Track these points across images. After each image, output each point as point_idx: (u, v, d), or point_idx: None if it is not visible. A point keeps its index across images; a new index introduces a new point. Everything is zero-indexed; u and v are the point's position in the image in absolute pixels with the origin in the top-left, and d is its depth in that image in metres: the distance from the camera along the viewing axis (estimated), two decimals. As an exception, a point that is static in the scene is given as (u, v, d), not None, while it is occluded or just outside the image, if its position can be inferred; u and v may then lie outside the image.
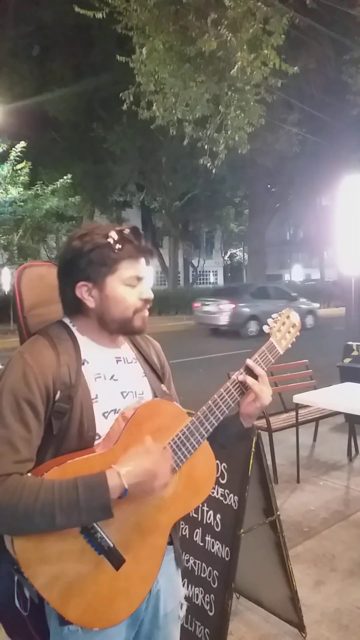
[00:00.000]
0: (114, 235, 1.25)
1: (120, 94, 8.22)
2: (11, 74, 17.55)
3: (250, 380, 1.36)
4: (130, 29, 7.68)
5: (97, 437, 1.24)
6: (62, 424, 1.21)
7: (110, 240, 1.24)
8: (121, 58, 8.06)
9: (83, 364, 1.27)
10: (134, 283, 1.28)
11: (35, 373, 1.19)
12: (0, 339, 13.14)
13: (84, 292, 1.27)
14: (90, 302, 1.27)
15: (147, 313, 1.33)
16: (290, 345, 1.47)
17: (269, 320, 1.46)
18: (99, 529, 1.17)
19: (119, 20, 7.67)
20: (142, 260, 1.30)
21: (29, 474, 1.16)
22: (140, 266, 1.29)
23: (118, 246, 1.24)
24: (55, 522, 1.10)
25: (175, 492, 1.28)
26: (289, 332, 1.47)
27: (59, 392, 1.21)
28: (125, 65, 8.06)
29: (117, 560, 1.19)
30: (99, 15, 7.53)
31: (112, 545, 1.18)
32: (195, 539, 2.42)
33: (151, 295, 1.32)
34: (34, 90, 17.74)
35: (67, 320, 1.33)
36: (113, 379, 1.31)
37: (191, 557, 2.42)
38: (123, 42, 9.35)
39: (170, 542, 1.39)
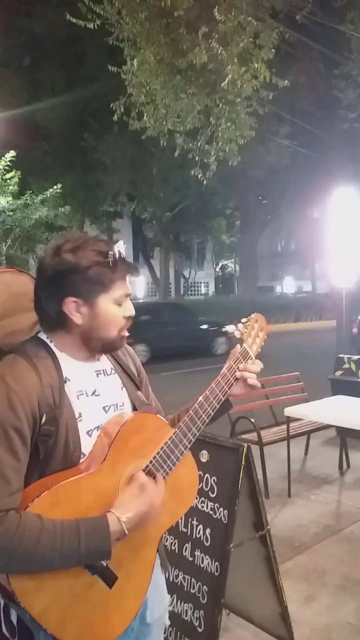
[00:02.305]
0: (113, 254, 1.22)
1: (111, 105, 8.26)
2: (2, 83, 17.59)
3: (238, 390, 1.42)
4: (121, 40, 7.73)
5: (82, 456, 1.22)
6: (48, 446, 1.18)
7: (110, 259, 1.21)
8: (112, 69, 8.10)
9: (65, 382, 1.23)
10: (122, 301, 1.26)
11: (20, 398, 1.14)
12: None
13: (72, 307, 1.22)
14: (78, 319, 1.23)
15: (126, 333, 1.32)
16: (260, 350, 1.49)
17: (240, 325, 1.48)
18: None
19: (111, 32, 7.72)
20: (131, 279, 1.29)
21: (27, 510, 1.12)
22: (128, 285, 1.28)
23: (116, 266, 1.22)
24: (53, 566, 1.11)
25: (162, 504, 1.27)
26: (258, 336, 1.50)
27: (44, 416, 1.17)
28: (116, 76, 8.10)
29: (110, 579, 1.18)
30: (91, 26, 7.57)
31: (105, 564, 1.17)
32: (184, 554, 2.37)
33: (133, 313, 1.30)
34: (24, 100, 17.79)
35: (43, 336, 1.28)
36: (95, 394, 1.29)
37: (180, 572, 2.37)
38: (114, 53, 9.39)
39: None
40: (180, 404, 1.51)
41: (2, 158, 14.01)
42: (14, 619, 1.22)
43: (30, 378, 1.17)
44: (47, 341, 1.27)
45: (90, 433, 1.24)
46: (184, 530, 2.40)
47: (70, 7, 8.15)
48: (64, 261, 1.20)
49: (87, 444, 1.23)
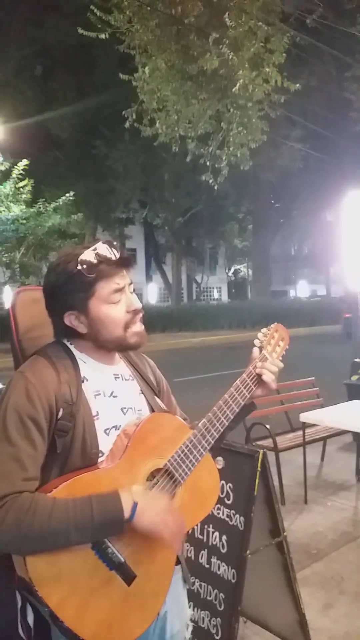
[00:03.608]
0: (83, 260, 1.25)
1: (123, 112, 8.32)
2: (15, 93, 17.83)
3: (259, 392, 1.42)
4: (132, 48, 7.80)
5: (100, 455, 1.24)
6: (66, 442, 1.21)
7: (80, 267, 1.24)
8: (124, 77, 8.17)
9: (83, 381, 1.27)
10: (116, 299, 1.28)
11: (37, 390, 1.20)
12: (3, 357, 13.12)
13: (72, 320, 1.28)
14: (82, 329, 1.29)
15: (141, 327, 1.33)
16: (280, 358, 1.48)
17: (259, 335, 1.48)
18: (109, 545, 1.16)
19: (122, 40, 7.80)
20: (120, 272, 1.29)
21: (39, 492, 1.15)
22: (119, 278, 1.28)
23: (90, 270, 1.24)
24: (70, 539, 1.11)
25: (182, 504, 1.29)
26: (279, 345, 1.49)
27: (61, 410, 1.21)
28: (128, 84, 8.17)
29: (128, 576, 1.18)
30: (102, 36, 7.65)
31: (122, 560, 1.17)
32: (200, 561, 2.36)
33: (139, 305, 1.32)
34: (37, 109, 18.01)
35: (65, 340, 1.33)
36: (112, 395, 1.32)
37: (197, 580, 2.35)
38: (125, 61, 9.49)
39: (177, 562, 1.37)
40: (195, 409, 1.51)
41: (15, 167, 14.18)
42: (30, 620, 1.23)
43: (48, 374, 1.23)
44: (68, 344, 1.33)
45: (107, 432, 1.27)
46: (200, 537, 2.38)
47: (81, 16, 8.25)
48: (50, 281, 1.29)
49: (104, 442, 1.25)
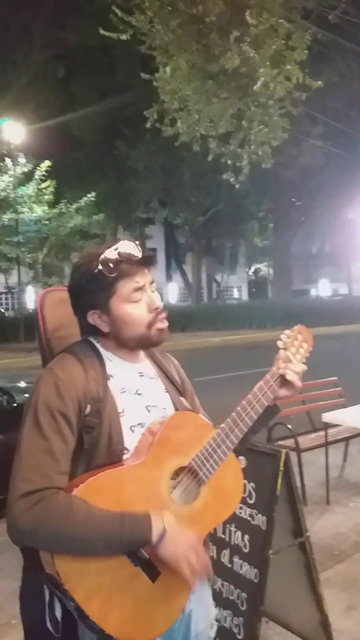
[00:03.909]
0: (104, 260, 1.27)
1: (145, 112, 8.36)
2: (37, 95, 18.03)
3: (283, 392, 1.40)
4: (153, 48, 7.83)
5: (125, 451, 1.26)
6: (92, 438, 1.23)
7: (101, 267, 1.26)
8: (145, 77, 8.20)
9: (108, 378, 1.29)
10: (137, 297, 1.29)
11: (66, 386, 1.22)
12: (26, 356, 13.29)
13: (95, 319, 1.31)
14: (104, 327, 1.31)
15: (164, 323, 1.34)
16: (304, 361, 1.47)
17: (282, 336, 1.47)
18: None
19: (143, 41, 7.83)
20: (141, 271, 1.30)
21: (75, 494, 1.17)
22: (140, 277, 1.30)
23: (110, 269, 1.26)
24: (96, 550, 1.14)
25: (206, 503, 1.29)
26: (302, 347, 1.48)
27: (88, 406, 1.23)
28: (149, 84, 8.20)
29: (152, 572, 1.20)
30: (124, 37, 7.69)
31: (147, 557, 1.19)
32: (222, 560, 2.36)
33: (160, 304, 1.33)
34: (59, 110, 18.18)
35: (91, 338, 1.36)
36: (137, 393, 1.33)
37: (219, 579, 2.36)
38: (146, 61, 9.52)
39: None
40: (216, 409, 1.51)
41: (38, 168, 14.35)
42: (58, 614, 1.24)
43: (76, 371, 1.25)
44: (94, 342, 1.35)
45: (133, 429, 1.29)
46: (222, 536, 2.39)
47: (102, 18, 8.30)
48: (74, 281, 1.33)
49: (130, 439, 1.27)
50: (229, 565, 2.34)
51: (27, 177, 14.51)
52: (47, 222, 14.65)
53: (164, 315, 1.33)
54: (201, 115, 7.88)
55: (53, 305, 1.43)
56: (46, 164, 14.32)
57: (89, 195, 15.48)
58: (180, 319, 19.44)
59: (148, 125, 8.34)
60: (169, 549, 1.18)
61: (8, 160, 14.04)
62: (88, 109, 18.74)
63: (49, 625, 1.25)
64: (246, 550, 2.28)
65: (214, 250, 33.53)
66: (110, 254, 1.26)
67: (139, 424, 1.29)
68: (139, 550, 1.18)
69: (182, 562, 1.19)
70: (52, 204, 14.95)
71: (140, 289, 1.29)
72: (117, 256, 1.26)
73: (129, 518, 1.15)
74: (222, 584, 2.34)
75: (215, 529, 2.39)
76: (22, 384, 5.47)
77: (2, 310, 24.23)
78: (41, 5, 16.64)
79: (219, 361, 13.51)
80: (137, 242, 1.31)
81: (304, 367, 1.43)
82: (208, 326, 20.26)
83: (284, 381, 1.39)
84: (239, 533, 2.33)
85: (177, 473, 1.28)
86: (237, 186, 9.13)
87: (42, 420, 1.19)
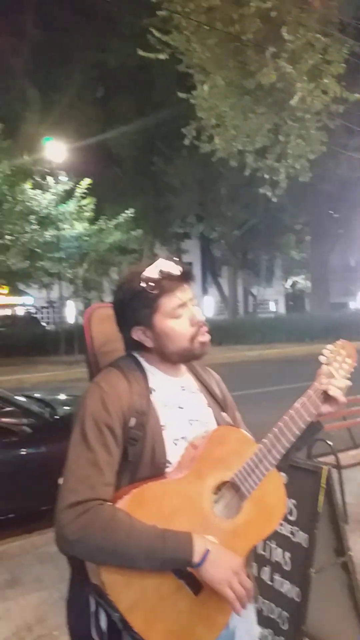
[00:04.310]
0: (146, 278, 1.31)
1: (183, 129, 8.49)
2: (78, 115, 18.56)
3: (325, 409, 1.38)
4: (191, 67, 7.96)
5: (168, 464, 1.29)
6: (136, 450, 1.27)
7: (144, 284, 1.30)
8: (182, 95, 8.34)
9: (151, 392, 1.33)
10: (179, 313, 1.33)
11: (112, 400, 1.27)
12: (66, 369, 13.52)
13: (139, 335, 1.35)
14: (148, 343, 1.35)
15: (206, 337, 1.37)
16: (349, 376, 1.45)
17: (325, 351, 1.46)
18: None
19: (180, 60, 7.98)
20: (182, 287, 1.33)
21: (119, 507, 1.20)
22: (181, 293, 1.33)
23: (152, 287, 1.30)
24: (137, 564, 1.16)
25: (248, 518, 1.30)
26: (345, 362, 1.46)
27: (133, 420, 1.27)
28: (185, 101, 8.34)
29: (195, 586, 1.21)
30: (161, 57, 7.86)
31: (190, 570, 1.20)
32: (263, 577, 2.34)
33: (202, 318, 1.36)
34: (98, 129, 18.64)
35: (135, 353, 1.40)
36: (179, 407, 1.36)
37: (259, 596, 2.33)
38: (183, 79, 9.69)
39: None
40: (253, 424, 1.52)
41: (78, 186, 14.72)
42: (103, 625, 1.26)
43: (121, 384, 1.29)
44: (138, 356, 1.39)
45: (175, 442, 1.31)
46: (263, 553, 2.37)
47: (140, 39, 8.51)
48: (118, 299, 1.37)
49: (172, 453, 1.30)
50: (270, 583, 2.31)
51: (68, 194, 14.90)
52: (87, 238, 14.98)
53: (205, 328, 1.37)
54: (238, 131, 7.94)
55: (100, 321, 1.48)
56: (87, 181, 14.68)
57: (127, 211, 15.75)
58: (216, 333, 19.25)
59: (187, 142, 8.46)
60: (210, 572, 1.19)
61: (50, 179, 14.47)
62: (126, 127, 19.15)
63: (94, 635, 1.27)
64: (287, 568, 2.25)
65: (250, 263, 33.36)
66: (152, 271, 1.31)
67: (182, 437, 1.32)
68: None
69: (224, 587, 1.20)
70: (92, 221, 15.28)
71: (182, 304, 1.33)
72: (158, 274, 1.30)
73: (171, 536, 1.17)
74: (263, 602, 2.32)
75: (255, 545, 2.37)
76: (63, 397, 5.58)
77: (44, 324, 24.77)
78: (82, 30, 17.20)
79: (256, 375, 13.37)
80: (177, 258, 1.36)
81: (348, 383, 1.41)
82: (244, 340, 20.08)
83: (326, 397, 1.38)
84: (279, 550, 2.31)
85: (219, 487, 1.28)
86: (274, 200, 9.12)
87: (89, 433, 1.23)
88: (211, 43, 7.34)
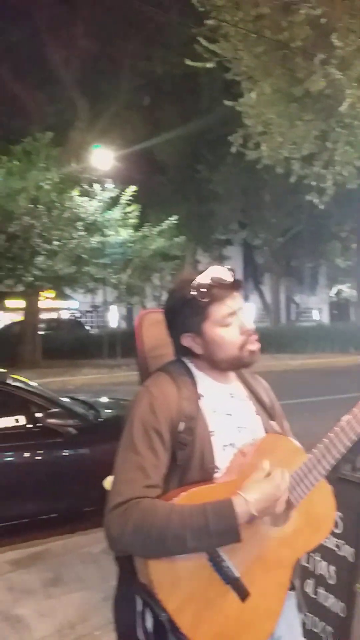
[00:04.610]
0: (196, 285, 1.32)
1: (229, 137, 8.51)
2: (124, 124, 18.91)
3: None
4: (238, 75, 7.98)
5: (216, 470, 1.30)
6: (185, 455, 1.28)
7: (194, 292, 1.31)
8: (228, 103, 8.36)
9: (200, 398, 1.34)
10: (228, 321, 1.33)
11: (160, 404, 1.29)
12: (109, 373, 13.73)
13: (189, 341, 1.37)
14: (198, 349, 1.37)
15: (256, 345, 1.37)
16: None
17: None
18: (224, 558, 1.21)
19: (228, 68, 8.01)
20: (232, 295, 1.34)
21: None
22: (231, 301, 1.34)
23: (203, 295, 1.31)
24: (187, 545, 1.16)
25: (296, 528, 1.30)
26: None
27: (182, 424, 1.28)
28: (231, 108, 8.36)
29: (242, 592, 1.21)
30: (208, 65, 7.91)
31: (237, 576, 1.21)
32: (306, 590, 2.30)
33: (251, 326, 1.37)
34: (143, 137, 18.92)
35: (184, 358, 1.41)
36: (228, 414, 1.37)
37: (299, 611, 2.30)
38: (229, 86, 9.73)
39: (292, 588, 1.38)
40: (295, 434, 1.51)
41: (123, 193, 14.98)
42: (149, 625, 1.27)
43: (170, 389, 1.31)
44: (187, 362, 1.41)
45: (224, 448, 1.32)
46: (306, 565, 2.33)
47: (187, 47, 8.59)
48: (169, 306, 1.40)
49: (221, 458, 1.31)
50: (314, 596, 2.27)
51: (114, 201, 15.19)
52: (131, 244, 15.21)
53: (255, 337, 1.37)
54: (285, 138, 7.90)
55: (151, 326, 1.50)
56: (132, 189, 14.92)
57: (171, 218, 15.90)
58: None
59: (233, 150, 8.48)
60: (262, 516, 1.22)
61: (97, 186, 14.81)
62: (172, 134, 19.37)
63: (140, 635, 1.29)
64: (332, 582, 2.21)
65: (293, 270, 32.93)
66: (203, 279, 1.32)
67: (230, 444, 1.33)
68: (229, 569, 1.20)
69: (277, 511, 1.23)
70: (136, 227, 15.50)
71: (232, 313, 1.34)
72: (209, 281, 1.32)
73: (211, 506, 1.17)
74: (306, 615, 2.28)
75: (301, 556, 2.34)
76: (105, 399, 5.69)
77: (88, 328, 25.25)
78: (128, 39, 17.54)
79: (298, 385, 13.16)
80: (229, 267, 1.37)
81: None
82: (286, 348, 19.79)
83: None
84: (324, 563, 2.27)
85: None
86: (321, 207, 9.01)
87: (136, 436, 1.25)
88: (259, 51, 7.34)
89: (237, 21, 7.35)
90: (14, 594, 3.12)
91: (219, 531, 1.16)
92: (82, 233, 13.52)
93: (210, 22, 7.70)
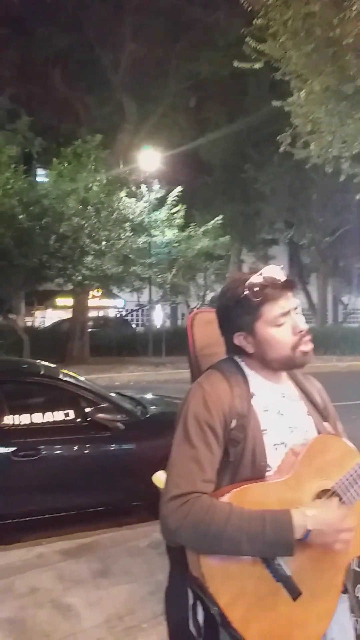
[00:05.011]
0: (249, 285, 1.33)
1: (278, 137, 8.43)
2: (171, 125, 19.02)
3: None
4: (287, 74, 7.89)
5: (268, 468, 1.31)
6: (237, 452, 1.30)
7: (247, 291, 1.32)
8: (276, 103, 8.28)
9: (252, 397, 1.36)
10: (281, 321, 1.33)
11: (213, 400, 1.31)
12: (154, 370, 13.87)
13: (241, 340, 1.38)
14: (249, 349, 1.38)
15: (309, 346, 1.37)
16: None
17: None
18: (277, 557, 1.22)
19: (275, 68, 7.93)
20: (286, 295, 1.34)
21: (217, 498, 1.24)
22: (284, 302, 1.34)
23: (256, 294, 1.32)
24: (241, 549, 1.18)
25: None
26: None
27: (234, 421, 1.30)
28: (277, 108, 8.27)
29: (293, 591, 1.22)
30: (257, 66, 7.85)
31: (288, 574, 1.21)
32: (357, 595, 2.27)
33: (304, 326, 1.36)
34: (189, 138, 18.97)
35: (236, 357, 1.43)
36: (279, 413, 1.38)
37: (351, 614, 2.27)
38: (276, 86, 9.63)
39: (344, 591, 1.37)
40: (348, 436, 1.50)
41: (170, 194, 15.11)
42: (200, 618, 1.31)
43: (222, 387, 1.34)
44: (239, 360, 1.43)
45: (276, 447, 1.34)
46: (358, 569, 2.30)
47: (234, 48, 8.55)
48: (222, 305, 1.41)
49: (273, 457, 1.32)
50: (364, 601, 2.25)
51: (160, 202, 15.33)
52: (176, 244, 15.33)
53: (308, 337, 1.37)
54: (334, 137, 7.77)
55: (202, 325, 1.53)
56: (178, 189, 15.02)
57: (216, 218, 15.92)
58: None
59: (282, 149, 8.40)
60: (317, 541, 1.21)
61: (143, 187, 14.99)
62: (217, 135, 19.34)
63: (191, 628, 1.32)
64: (382, 588, 2.18)
65: (340, 271, 32.13)
66: (256, 278, 1.33)
67: (282, 443, 1.34)
68: (280, 567, 1.21)
69: (333, 546, 1.22)
70: (181, 228, 15.59)
71: (285, 313, 1.34)
72: (262, 281, 1.33)
73: (270, 516, 1.19)
74: (357, 620, 2.26)
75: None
76: (150, 396, 5.75)
77: (134, 326, 25.58)
78: (176, 41, 17.63)
79: (345, 387, 12.84)
80: (282, 267, 1.38)
81: None
82: (333, 350, 19.36)
83: None
84: (374, 568, 2.23)
85: (318, 496, 1.29)
86: (370, 206, 8.81)
87: (191, 431, 1.28)
88: (309, 49, 7.25)
89: (287, 20, 7.27)
90: (64, 583, 3.22)
91: (273, 541, 1.18)
92: (129, 233, 13.71)
93: (258, 21, 7.64)
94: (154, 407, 4.98)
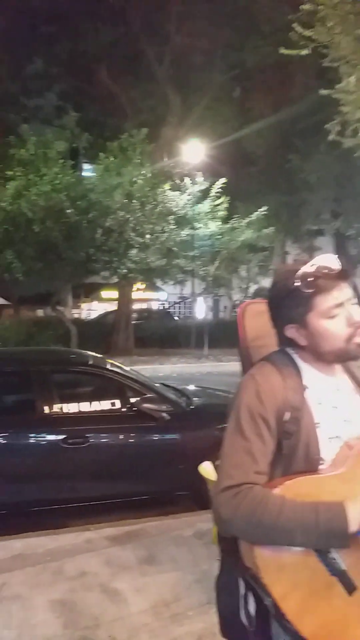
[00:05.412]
0: (300, 276, 1.29)
1: (326, 125, 8.21)
2: (215, 116, 18.88)
3: None
4: (335, 60, 7.65)
5: (321, 462, 1.30)
6: (290, 444, 1.29)
7: (298, 283, 1.29)
8: (324, 92, 8.05)
9: (305, 389, 1.34)
10: (334, 313, 1.30)
11: (266, 392, 1.30)
12: (196, 362, 13.93)
13: (293, 332, 1.36)
14: (302, 341, 1.36)
15: None
16: None
17: None
18: (331, 549, 1.21)
19: (322, 55, 7.71)
20: (339, 286, 1.30)
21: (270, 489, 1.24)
22: (338, 293, 1.30)
23: (308, 285, 1.28)
24: (294, 540, 1.18)
25: None
26: None
27: (287, 414, 1.29)
28: (323, 96, 8.05)
29: (349, 585, 1.20)
30: (304, 52, 7.66)
31: (343, 568, 1.20)
32: None
33: (359, 318, 1.32)
34: (233, 129, 18.77)
35: (288, 349, 1.41)
36: (333, 406, 1.35)
37: None
38: (322, 73, 9.37)
39: None
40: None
41: (213, 186, 15.03)
42: (251, 609, 1.31)
43: (276, 379, 1.33)
44: (291, 352, 1.41)
45: (330, 440, 1.32)
46: None
47: (279, 35, 8.35)
48: (273, 296, 1.39)
49: (326, 450, 1.31)
50: None
51: (204, 194, 15.28)
52: (219, 236, 15.26)
53: None
54: (385, 123, 7.51)
55: (253, 317, 1.51)
56: (222, 181, 14.92)
57: (260, 209, 15.72)
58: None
59: (330, 138, 8.16)
60: None
61: (187, 180, 14.99)
62: (261, 125, 19.04)
63: (243, 618, 1.32)
64: None
65: (389, 262, 31.20)
66: (307, 269, 1.30)
67: (336, 436, 1.32)
68: (335, 561, 1.19)
69: None
70: (225, 220, 15.50)
71: (338, 304, 1.31)
72: (314, 272, 1.29)
73: (323, 507, 1.17)
74: None
75: None
76: (192, 387, 5.78)
77: (176, 318, 25.74)
78: (220, 30, 17.43)
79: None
80: (336, 256, 1.32)
81: None
82: (381, 344, 18.82)
83: None
84: None
85: None
86: None
87: (244, 423, 1.27)
88: (358, 33, 7.01)
89: (336, 3, 7.04)
90: (111, 568, 3.30)
91: (327, 533, 1.16)
92: (173, 226, 13.75)
93: (306, 6, 7.44)
94: (197, 398, 5.01)
